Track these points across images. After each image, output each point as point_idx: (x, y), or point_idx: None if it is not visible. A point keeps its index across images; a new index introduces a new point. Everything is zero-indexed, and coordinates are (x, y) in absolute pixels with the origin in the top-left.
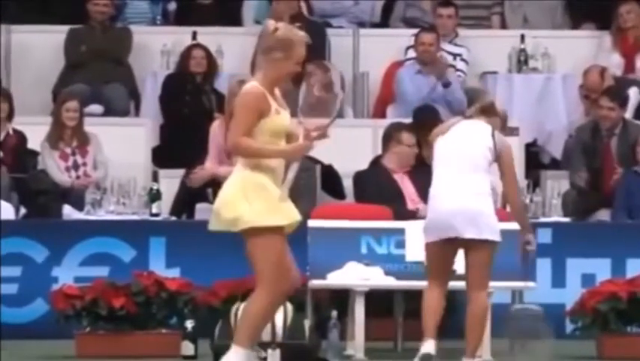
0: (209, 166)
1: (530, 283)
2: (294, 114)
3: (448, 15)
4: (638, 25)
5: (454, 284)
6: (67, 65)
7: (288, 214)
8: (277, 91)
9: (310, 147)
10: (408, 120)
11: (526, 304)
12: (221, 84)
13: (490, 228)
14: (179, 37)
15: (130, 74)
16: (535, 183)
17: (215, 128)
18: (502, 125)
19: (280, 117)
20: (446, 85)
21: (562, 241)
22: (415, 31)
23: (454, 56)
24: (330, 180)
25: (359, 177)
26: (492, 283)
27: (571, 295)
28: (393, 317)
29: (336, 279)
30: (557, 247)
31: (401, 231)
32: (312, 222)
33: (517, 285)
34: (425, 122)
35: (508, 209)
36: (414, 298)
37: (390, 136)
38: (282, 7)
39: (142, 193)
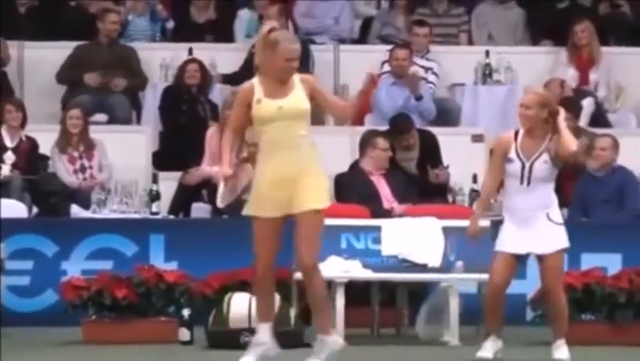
0: (204, 167)
1: None
2: None
3: (424, 34)
4: (591, 43)
5: (424, 276)
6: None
7: (260, 206)
8: (292, 81)
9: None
10: (383, 128)
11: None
12: (215, 95)
13: None
14: (176, 52)
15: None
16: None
17: (210, 135)
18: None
19: (260, 106)
20: (418, 98)
21: None
22: (390, 47)
23: (426, 69)
24: None
25: (339, 179)
26: (462, 276)
27: (531, 286)
28: (371, 306)
29: None
30: None
31: (378, 228)
32: None
33: (483, 277)
34: (400, 128)
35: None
36: (389, 288)
37: (366, 142)
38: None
39: (143, 194)
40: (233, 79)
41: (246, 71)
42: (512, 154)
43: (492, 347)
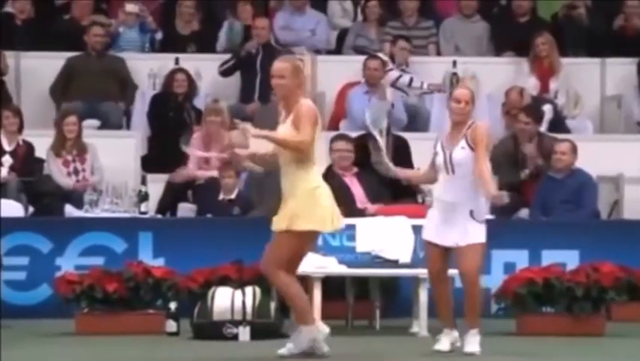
0: (191, 168)
1: None
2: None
3: (406, 48)
4: (551, 54)
5: (395, 271)
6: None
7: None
8: (297, 107)
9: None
10: (357, 133)
11: None
12: (200, 102)
13: None
14: (163, 62)
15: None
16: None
17: (194, 139)
18: None
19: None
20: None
21: (488, 235)
22: (363, 57)
23: (400, 88)
24: None
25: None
26: None
27: (495, 280)
28: (345, 300)
29: None
30: None
31: (352, 227)
32: None
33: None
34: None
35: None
36: (362, 283)
37: (330, 146)
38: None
39: (132, 194)
40: None
41: None
42: (438, 148)
43: (447, 340)
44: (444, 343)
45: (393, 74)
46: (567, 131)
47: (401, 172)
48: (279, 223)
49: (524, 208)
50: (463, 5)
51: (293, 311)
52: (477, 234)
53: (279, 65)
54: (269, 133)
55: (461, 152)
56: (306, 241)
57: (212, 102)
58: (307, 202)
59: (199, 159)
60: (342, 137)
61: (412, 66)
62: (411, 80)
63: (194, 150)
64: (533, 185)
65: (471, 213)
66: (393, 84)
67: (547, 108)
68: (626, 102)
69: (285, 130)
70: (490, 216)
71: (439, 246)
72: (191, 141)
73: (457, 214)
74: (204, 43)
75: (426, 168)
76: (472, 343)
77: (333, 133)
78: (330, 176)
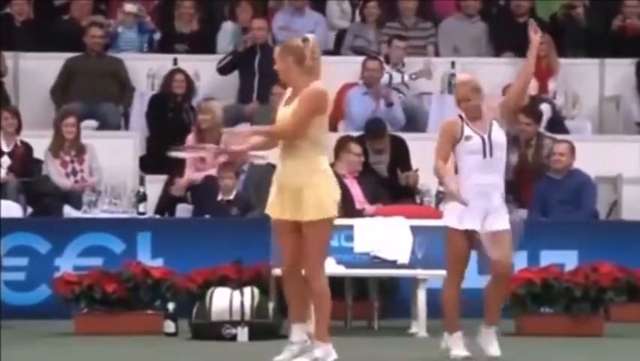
0: (187, 173)
1: None
2: None
3: (402, 47)
4: (550, 54)
5: (394, 272)
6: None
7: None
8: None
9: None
10: (356, 133)
11: None
12: (198, 102)
13: None
14: (162, 62)
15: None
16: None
17: (190, 139)
18: None
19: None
20: (389, 105)
21: None
22: (361, 58)
23: (395, 87)
24: None
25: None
26: (428, 272)
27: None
28: (344, 300)
29: None
30: None
31: (350, 227)
32: None
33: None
34: (374, 132)
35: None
36: (361, 283)
37: (341, 147)
38: (258, 34)
39: (131, 195)
40: None
41: None
42: (469, 132)
43: (462, 343)
44: (460, 346)
45: (384, 78)
46: (566, 131)
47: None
48: (304, 213)
49: (523, 209)
50: (463, 5)
51: (321, 325)
52: (507, 219)
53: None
54: (253, 128)
55: (499, 132)
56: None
57: (204, 101)
58: (327, 186)
59: (195, 160)
60: (353, 139)
61: (410, 67)
62: (402, 76)
63: (185, 153)
64: (531, 185)
65: (503, 197)
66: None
67: (545, 107)
68: (625, 103)
69: (284, 113)
70: None
71: (466, 232)
72: (184, 144)
73: (492, 198)
74: (204, 43)
75: (448, 163)
76: (495, 344)
77: (333, 134)
78: None
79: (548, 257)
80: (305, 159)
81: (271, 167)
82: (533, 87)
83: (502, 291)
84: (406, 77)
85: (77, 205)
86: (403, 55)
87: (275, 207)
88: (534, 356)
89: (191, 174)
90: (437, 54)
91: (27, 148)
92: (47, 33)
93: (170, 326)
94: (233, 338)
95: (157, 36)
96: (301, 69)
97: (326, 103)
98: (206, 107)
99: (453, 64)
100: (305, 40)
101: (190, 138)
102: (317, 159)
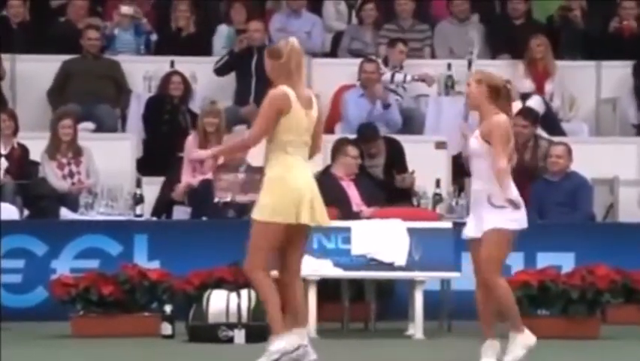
0: (185, 178)
1: (456, 274)
2: None
3: (401, 51)
4: (546, 56)
5: (391, 274)
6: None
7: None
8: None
9: None
10: (352, 136)
11: None
12: (195, 105)
13: None
14: (159, 64)
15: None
16: (460, 189)
17: (189, 141)
18: None
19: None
20: (386, 106)
21: None
22: (358, 60)
23: (397, 85)
24: None
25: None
26: (426, 273)
27: None
28: (341, 302)
29: None
30: None
31: (347, 229)
32: None
33: (445, 275)
34: (366, 137)
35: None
36: (358, 286)
37: (338, 149)
38: (255, 36)
39: (127, 197)
40: None
41: None
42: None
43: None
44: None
45: (386, 76)
46: (562, 133)
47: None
48: (321, 217)
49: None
50: (455, 11)
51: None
52: (490, 219)
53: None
54: (219, 148)
55: (474, 142)
56: None
57: (210, 104)
58: (265, 189)
59: (194, 162)
60: (350, 142)
61: (407, 69)
62: (404, 76)
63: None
64: (528, 187)
65: (488, 198)
66: (387, 86)
67: (535, 100)
68: (622, 105)
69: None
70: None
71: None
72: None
73: (478, 203)
74: (200, 45)
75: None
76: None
77: (330, 137)
78: (326, 177)
79: (545, 259)
80: (267, 160)
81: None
82: (530, 89)
83: (491, 299)
84: (409, 77)
85: (74, 207)
86: (403, 59)
87: None
88: (531, 358)
89: (189, 178)
90: (433, 56)
91: (24, 150)
92: (44, 35)
93: (166, 328)
94: (230, 340)
95: (154, 38)
96: (281, 71)
97: (283, 103)
98: (213, 109)
99: (449, 66)
100: (286, 42)
101: (190, 140)
102: (273, 162)
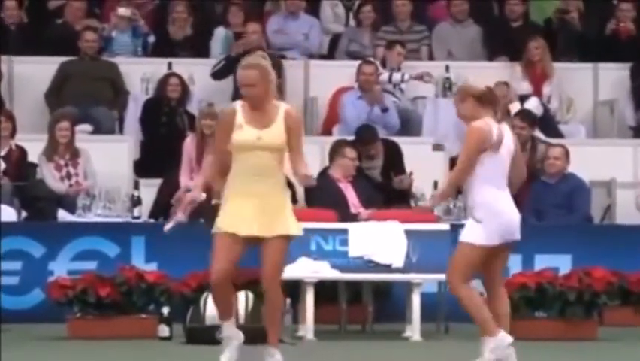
0: (183, 180)
1: None
2: None
3: (399, 53)
4: (544, 58)
5: (388, 276)
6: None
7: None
8: (274, 110)
9: None
10: (350, 138)
11: None
12: (193, 107)
13: None
14: (156, 66)
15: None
16: (458, 190)
17: (187, 143)
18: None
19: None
20: (384, 110)
21: None
22: (356, 62)
23: (394, 84)
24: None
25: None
26: (423, 275)
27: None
28: (338, 304)
29: (289, 272)
30: None
31: (345, 231)
32: None
33: (443, 277)
34: (364, 139)
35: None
36: (355, 287)
37: (335, 151)
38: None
39: (125, 199)
40: None
41: None
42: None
43: None
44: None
45: (384, 76)
46: (560, 135)
47: None
48: (297, 228)
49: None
50: (453, 11)
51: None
52: (465, 232)
53: (246, 73)
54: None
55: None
56: None
57: (207, 106)
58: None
59: (191, 164)
60: (348, 143)
61: (405, 70)
62: (402, 75)
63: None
64: (525, 189)
65: (470, 210)
66: (385, 87)
67: (532, 102)
68: (619, 107)
69: (279, 135)
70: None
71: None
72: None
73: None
74: (198, 47)
75: (464, 171)
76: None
77: (328, 138)
78: (324, 179)
79: (542, 261)
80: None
81: None
82: (527, 91)
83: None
84: (407, 77)
85: (72, 209)
86: (401, 60)
87: None
88: (529, 360)
89: (187, 180)
90: (431, 58)
91: (21, 152)
92: (41, 37)
93: (164, 330)
94: None
95: (151, 39)
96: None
97: (222, 121)
98: (210, 111)
99: (447, 68)
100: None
101: (188, 142)
102: (230, 178)
